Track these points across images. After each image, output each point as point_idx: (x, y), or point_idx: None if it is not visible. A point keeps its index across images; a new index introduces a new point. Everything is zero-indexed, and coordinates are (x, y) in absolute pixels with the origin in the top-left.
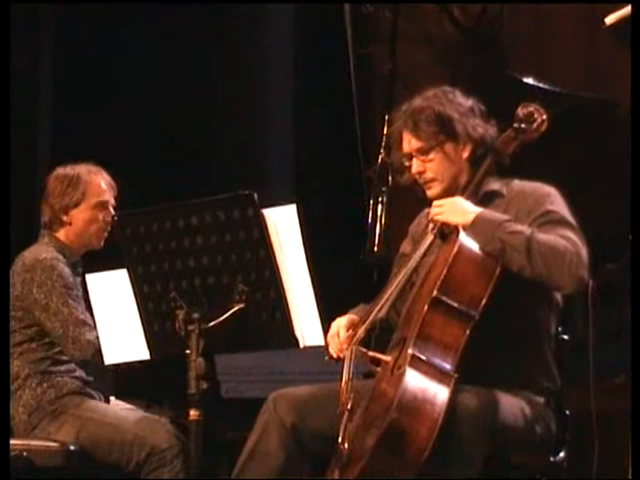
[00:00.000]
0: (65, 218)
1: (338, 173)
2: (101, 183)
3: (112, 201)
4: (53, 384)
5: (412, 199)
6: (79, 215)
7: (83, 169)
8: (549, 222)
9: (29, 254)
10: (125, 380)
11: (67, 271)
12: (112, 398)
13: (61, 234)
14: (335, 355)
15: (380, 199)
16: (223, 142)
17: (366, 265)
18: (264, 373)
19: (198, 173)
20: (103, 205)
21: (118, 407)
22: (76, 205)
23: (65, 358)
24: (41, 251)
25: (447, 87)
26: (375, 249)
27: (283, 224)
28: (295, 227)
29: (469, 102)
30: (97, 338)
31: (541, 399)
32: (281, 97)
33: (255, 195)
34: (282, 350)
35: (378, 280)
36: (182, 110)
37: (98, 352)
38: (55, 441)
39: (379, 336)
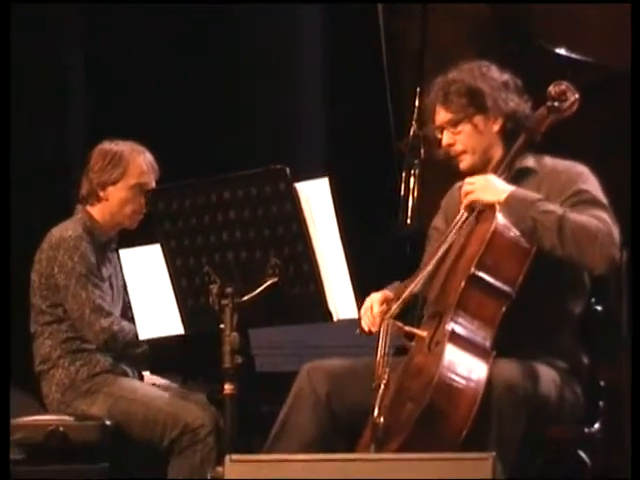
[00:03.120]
0: (102, 194)
1: (369, 146)
2: (142, 164)
3: (152, 184)
4: (85, 362)
5: (445, 172)
6: (116, 193)
7: (127, 147)
8: (581, 202)
9: (56, 231)
10: (160, 355)
11: (91, 252)
12: (147, 373)
13: (96, 210)
14: (367, 329)
15: (412, 172)
16: (253, 116)
17: (398, 238)
18: (298, 347)
19: (229, 147)
20: (142, 187)
21: (152, 384)
22: (114, 183)
23: (130, 353)
24: (68, 229)
25: (483, 61)
26: (408, 222)
27: (315, 198)
28: (328, 200)
29: (504, 76)
30: (112, 324)
31: (566, 366)
32: (311, 71)
33: (287, 169)
34: (315, 324)
35: (411, 253)
36: (212, 87)
37: (112, 338)
38: (90, 416)
39: (411, 312)
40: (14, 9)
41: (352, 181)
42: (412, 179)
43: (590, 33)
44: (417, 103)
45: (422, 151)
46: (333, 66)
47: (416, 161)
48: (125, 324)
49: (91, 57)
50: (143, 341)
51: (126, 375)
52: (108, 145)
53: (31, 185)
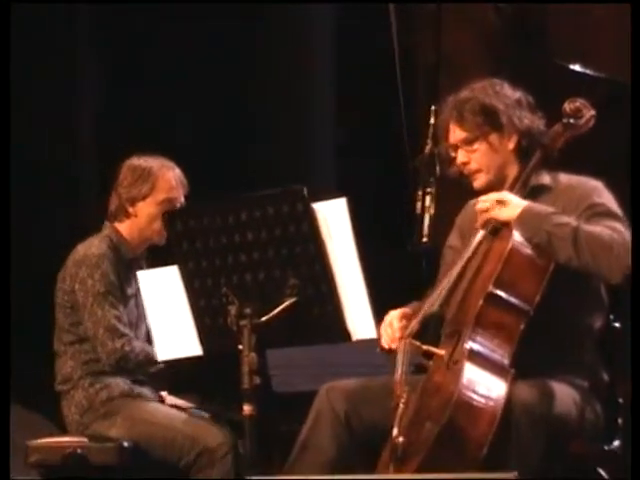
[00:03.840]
0: (131, 210)
1: (382, 162)
2: (172, 180)
3: (181, 199)
4: (105, 385)
5: (459, 190)
6: (145, 209)
7: (156, 163)
8: (596, 214)
9: (81, 247)
10: (178, 376)
11: (114, 270)
12: (164, 393)
13: (124, 226)
14: (387, 346)
15: (428, 190)
16: (266, 131)
17: (413, 256)
18: (314, 366)
19: (239, 162)
20: (171, 202)
21: (170, 405)
22: (144, 198)
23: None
24: (92, 246)
25: (496, 79)
26: (423, 240)
27: (333, 218)
28: (345, 220)
29: (517, 94)
30: (124, 345)
31: (585, 384)
32: (324, 87)
33: (305, 190)
34: (333, 344)
35: (426, 271)
36: (224, 100)
37: (123, 359)
38: (108, 438)
39: (430, 330)
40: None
41: (366, 199)
42: (428, 197)
43: (603, 47)
44: (432, 120)
45: (437, 168)
46: (346, 81)
47: (432, 179)
48: (137, 344)
49: (104, 59)
50: (156, 361)
51: (145, 398)
52: (137, 160)
53: (47, 195)
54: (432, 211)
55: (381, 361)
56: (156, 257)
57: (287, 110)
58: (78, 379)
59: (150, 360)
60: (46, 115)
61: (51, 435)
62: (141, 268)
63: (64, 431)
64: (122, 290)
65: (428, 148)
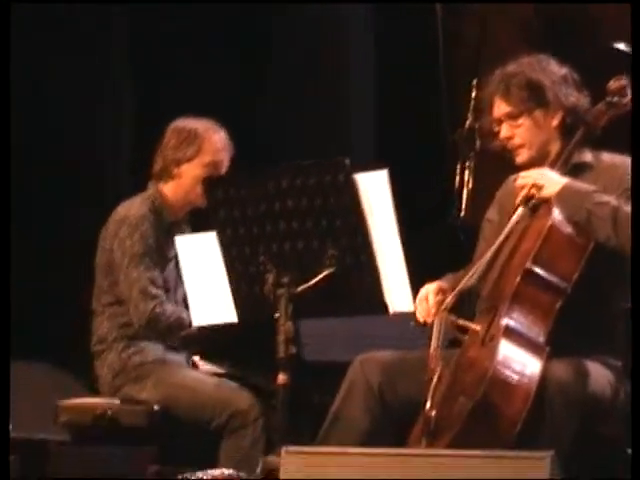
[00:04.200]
0: (175, 171)
1: (421, 135)
2: (218, 142)
3: (226, 162)
4: (139, 349)
5: (499, 164)
6: (190, 170)
7: (202, 125)
8: None
9: (122, 207)
10: (212, 342)
11: (153, 232)
12: (197, 359)
13: (168, 187)
14: (422, 320)
15: (467, 164)
16: (302, 102)
17: (451, 229)
18: (347, 336)
19: (279, 133)
20: (216, 165)
21: (201, 370)
22: (189, 160)
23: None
24: (133, 206)
25: (543, 55)
26: (462, 214)
27: (374, 189)
28: (386, 193)
29: (563, 70)
30: (155, 307)
31: (619, 364)
32: (362, 57)
33: (347, 160)
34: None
35: (464, 245)
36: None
37: (153, 320)
38: (139, 401)
39: (465, 304)
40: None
41: (405, 171)
42: (467, 171)
43: None
44: (473, 94)
45: (477, 143)
46: (385, 54)
47: (471, 153)
48: (168, 307)
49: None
50: (188, 325)
51: (177, 363)
52: (183, 122)
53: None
54: (471, 185)
55: (416, 334)
56: (200, 220)
57: (324, 79)
58: (113, 341)
59: (181, 324)
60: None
61: (82, 395)
62: (183, 231)
63: (95, 392)
64: (161, 253)
65: (468, 122)
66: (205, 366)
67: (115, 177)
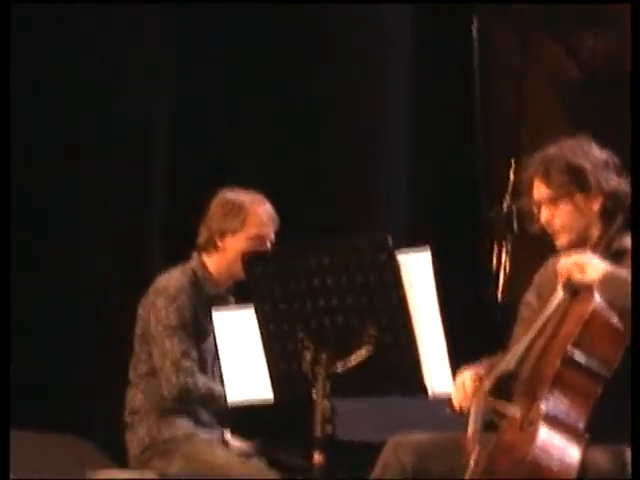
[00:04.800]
0: (220, 244)
1: (456, 213)
2: (263, 215)
3: (271, 236)
4: (170, 423)
5: (537, 246)
6: (234, 243)
7: (248, 197)
8: None
9: (163, 277)
10: (244, 418)
11: (191, 305)
12: (228, 435)
13: (211, 260)
14: (458, 407)
15: (504, 245)
16: (337, 179)
17: (487, 310)
18: (380, 417)
19: (309, 203)
20: (261, 238)
21: (231, 448)
22: (233, 233)
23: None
24: (174, 277)
25: (583, 138)
26: (499, 296)
27: (416, 269)
28: (428, 273)
29: (604, 155)
30: (187, 379)
31: None
32: (398, 127)
33: (389, 239)
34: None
35: (500, 327)
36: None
37: (185, 393)
38: (166, 476)
39: (502, 387)
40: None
41: (436, 249)
42: (504, 252)
43: None
44: (512, 176)
45: (515, 224)
46: (420, 125)
47: (509, 235)
48: (200, 380)
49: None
50: (219, 398)
51: (207, 439)
52: (229, 194)
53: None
54: (508, 267)
55: (447, 415)
56: (245, 293)
57: (363, 153)
58: (145, 413)
59: (213, 397)
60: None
61: (107, 467)
62: (227, 303)
63: (120, 464)
64: (198, 326)
65: (506, 203)
66: (236, 443)
67: (148, 244)
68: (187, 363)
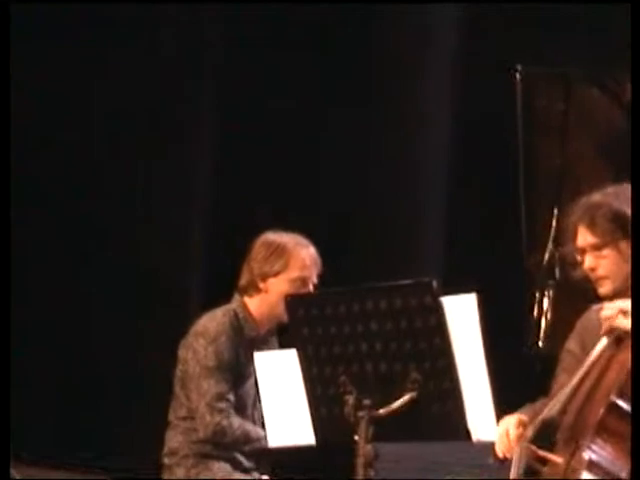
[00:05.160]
0: (262, 285)
1: (495, 262)
2: (306, 258)
3: (314, 278)
4: (208, 468)
5: (579, 294)
6: (277, 285)
7: (291, 240)
8: None
9: (204, 318)
10: (282, 461)
11: (231, 347)
12: (265, 479)
13: (253, 302)
14: (502, 455)
15: (546, 293)
16: (377, 228)
17: (528, 359)
18: (412, 462)
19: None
20: (304, 281)
21: None
22: (276, 275)
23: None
24: (215, 319)
25: (628, 185)
26: (539, 344)
27: (461, 313)
28: (474, 317)
29: None
30: (222, 420)
31: None
32: (437, 173)
33: (434, 283)
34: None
35: (541, 375)
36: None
37: (219, 433)
38: None
39: (544, 436)
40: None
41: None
42: (545, 300)
43: None
44: (554, 224)
45: (557, 272)
46: (465, 177)
47: (550, 282)
48: (235, 420)
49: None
50: (255, 440)
51: None
52: (272, 236)
53: None
54: (549, 315)
55: (490, 463)
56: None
57: (403, 202)
58: (183, 457)
59: (249, 439)
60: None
61: None
62: (268, 345)
63: None
64: (239, 368)
65: (548, 251)
66: None
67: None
68: (222, 404)
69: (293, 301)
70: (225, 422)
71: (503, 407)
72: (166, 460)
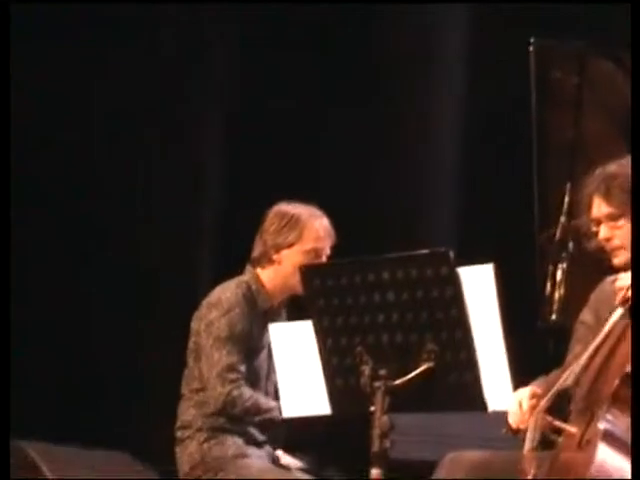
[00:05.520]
0: (275, 257)
1: (508, 237)
2: (320, 229)
3: (327, 250)
4: (221, 442)
5: (593, 266)
6: (290, 257)
7: (305, 211)
8: None
9: (216, 290)
10: (298, 433)
11: (244, 318)
12: (280, 452)
13: (266, 273)
14: (515, 427)
15: (560, 265)
16: (386, 199)
17: (542, 332)
18: (425, 434)
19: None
20: (317, 252)
21: (282, 465)
22: (290, 246)
23: (248, 420)
24: (227, 290)
25: None
26: (554, 316)
27: (477, 284)
28: (490, 287)
29: None
30: (232, 389)
31: None
32: (450, 150)
33: (451, 253)
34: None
35: (554, 348)
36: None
37: (230, 404)
38: None
39: (559, 407)
40: None
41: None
42: (559, 273)
43: None
44: (567, 199)
45: (570, 245)
46: (476, 150)
47: (564, 254)
48: (246, 391)
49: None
50: (268, 412)
51: (257, 458)
52: (285, 207)
53: None
54: (563, 288)
55: (495, 434)
56: (297, 307)
57: (416, 178)
58: (197, 430)
59: (259, 409)
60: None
61: None
62: (280, 317)
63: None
64: (251, 340)
65: (561, 224)
66: (287, 460)
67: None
68: (233, 375)
69: (309, 271)
70: (236, 392)
71: (517, 380)
72: (179, 434)
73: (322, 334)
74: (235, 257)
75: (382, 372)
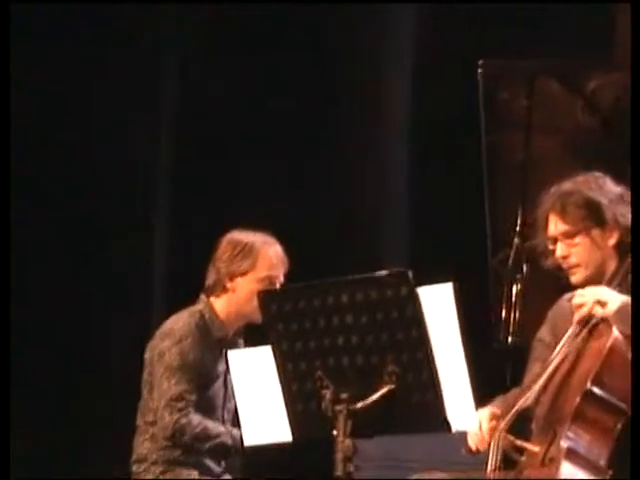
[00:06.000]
0: (229, 285)
1: (462, 258)
2: (273, 257)
3: (281, 277)
4: (177, 475)
5: (547, 285)
6: (244, 285)
7: (258, 238)
8: None
9: (170, 320)
10: (259, 461)
11: (197, 348)
12: None
13: (220, 302)
14: (475, 448)
15: (515, 287)
16: (341, 220)
17: (499, 353)
18: (387, 459)
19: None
20: (271, 280)
21: None
22: (243, 274)
23: (198, 448)
24: (180, 320)
25: (598, 173)
26: (510, 339)
27: (437, 303)
28: (450, 306)
29: (618, 189)
30: (180, 418)
31: None
32: (400, 174)
33: (410, 273)
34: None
35: (512, 368)
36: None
37: (179, 432)
38: None
39: (519, 426)
40: None
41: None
42: (514, 293)
43: None
44: (520, 219)
45: (524, 266)
46: (426, 174)
47: (518, 275)
48: (194, 418)
49: None
50: (214, 436)
51: None
52: (238, 235)
53: None
54: (518, 310)
55: (454, 457)
56: (255, 335)
57: (367, 199)
58: (152, 463)
59: (208, 435)
60: None
61: None
62: (236, 346)
63: None
64: (205, 370)
65: (515, 246)
66: None
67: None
68: (181, 404)
69: (266, 297)
70: (184, 420)
71: (475, 400)
72: (134, 467)
73: (281, 359)
74: (187, 286)
75: (343, 395)
